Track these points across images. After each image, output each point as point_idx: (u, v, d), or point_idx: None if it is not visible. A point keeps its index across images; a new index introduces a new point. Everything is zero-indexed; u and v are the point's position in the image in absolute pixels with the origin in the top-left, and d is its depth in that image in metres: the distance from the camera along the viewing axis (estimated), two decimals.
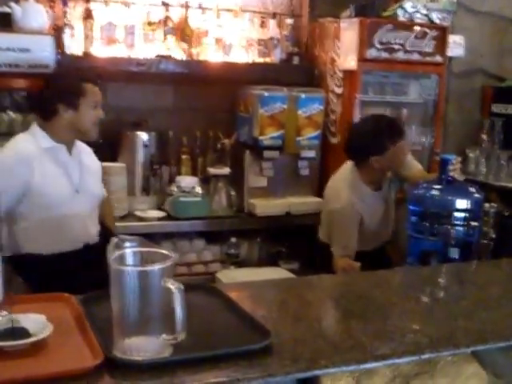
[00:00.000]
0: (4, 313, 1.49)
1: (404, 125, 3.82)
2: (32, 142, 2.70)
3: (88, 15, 3.75)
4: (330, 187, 3.45)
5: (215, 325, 1.60)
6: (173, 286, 1.32)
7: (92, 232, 2.86)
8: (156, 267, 1.34)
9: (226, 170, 4.00)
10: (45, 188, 2.64)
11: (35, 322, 1.48)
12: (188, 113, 4.16)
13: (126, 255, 1.41)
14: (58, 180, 2.71)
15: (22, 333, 1.43)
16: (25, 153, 2.65)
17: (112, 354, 1.36)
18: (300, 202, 4.15)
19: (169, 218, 3.81)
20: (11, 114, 3.48)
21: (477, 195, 2.69)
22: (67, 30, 3.65)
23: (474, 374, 1.69)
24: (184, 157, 4.10)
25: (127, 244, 1.39)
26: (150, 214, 3.79)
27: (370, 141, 3.23)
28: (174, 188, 3.87)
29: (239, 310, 1.66)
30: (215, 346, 1.43)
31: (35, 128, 2.73)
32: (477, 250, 2.88)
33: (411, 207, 2.70)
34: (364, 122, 3.53)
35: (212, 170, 4.00)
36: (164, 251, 1.41)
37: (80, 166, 2.81)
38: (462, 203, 2.61)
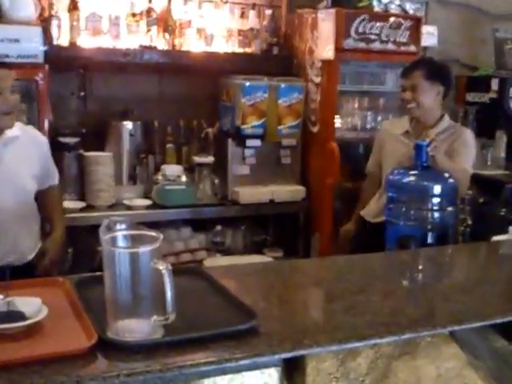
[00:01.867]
0: (0, 297, 1.54)
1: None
2: None
3: (74, 6, 3.78)
4: None
5: (204, 307, 1.66)
6: (162, 266, 1.38)
7: (23, 244, 2.62)
8: (147, 249, 1.40)
9: (210, 159, 4.07)
10: None
11: (31, 305, 1.51)
12: (172, 102, 4.22)
13: (117, 237, 1.45)
14: None
15: (18, 316, 1.46)
16: None
17: (105, 335, 1.40)
18: (283, 190, 4.23)
19: (155, 206, 3.88)
20: None
21: (452, 181, 2.78)
22: (54, 21, 3.69)
23: (453, 355, 1.76)
24: (169, 146, 4.16)
25: (118, 226, 1.45)
26: (137, 202, 3.85)
27: None
28: (159, 177, 3.94)
29: (227, 292, 1.72)
30: (204, 328, 1.49)
31: None
32: (454, 235, 3.01)
33: (389, 194, 2.80)
34: None
35: (196, 159, 4.07)
36: (152, 233, 1.45)
37: (7, 156, 2.54)
38: (437, 188, 2.70)
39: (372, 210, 3.36)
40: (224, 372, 1.43)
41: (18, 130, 2.58)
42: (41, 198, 2.73)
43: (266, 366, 1.48)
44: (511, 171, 4.36)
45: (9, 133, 2.54)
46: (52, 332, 1.47)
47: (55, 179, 2.85)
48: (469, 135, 3.34)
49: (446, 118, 3.34)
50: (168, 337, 1.43)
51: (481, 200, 3.68)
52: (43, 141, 2.77)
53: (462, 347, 1.76)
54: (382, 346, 1.66)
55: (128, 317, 1.43)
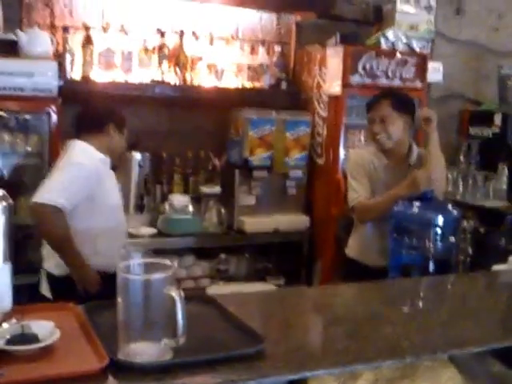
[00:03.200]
0: (14, 320, 1.59)
1: None
2: (94, 153, 2.94)
3: (88, 41, 3.91)
4: None
5: (213, 332, 1.69)
6: (174, 293, 1.44)
7: None
8: (159, 276, 1.45)
9: (217, 189, 4.17)
10: (111, 190, 2.98)
11: (44, 328, 1.55)
12: (181, 134, 4.32)
13: (132, 265, 1.50)
14: (114, 187, 3.02)
15: (32, 338, 1.50)
16: (93, 164, 2.90)
17: (116, 357, 1.43)
18: (287, 220, 4.33)
19: (159, 234, 3.97)
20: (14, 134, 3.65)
21: (454, 212, 2.84)
22: (68, 56, 3.82)
23: (451, 378, 1.80)
24: (177, 176, 4.27)
25: (133, 255, 1.52)
26: (142, 230, 3.93)
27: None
28: (166, 206, 4.02)
29: (234, 318, 1.76)
30: (213, 351, 1.53)
31: (85, 145, 2.92)
32: (455, 264, 3.04)
33: (392, 223, 2.86)
34: None
35: (203, 189, 4.17)
36: (166, 262, 1.51)
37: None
38: (439, 219, 2.75)
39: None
40: None
41: None
42: None
43: None
44: None
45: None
46: (64, 354, 1.50)
47: None
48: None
49: (414, 146, 3.27)
50: (177, 359, 1.47)
51: (482, 230, 3.73)
52: None
53: (459, 371, 1.81)
54: (382, 370, 1.71)
55: (139, 340, 1.47)
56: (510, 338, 1.81)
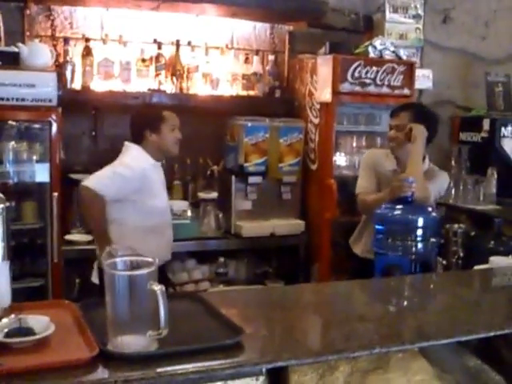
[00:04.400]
0: (12, 316, 1.67)
1: None
2: (143, 158, 3.30)
3: (87, 53, 4.03)
4: None
5: (196, 325, 1.79)
6: (157, 287, 1.53)
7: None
8: (143, 271, 1.55)
9: (215, 195, 4.27)
10: (158, 193, 3.31)
11: (40, 322, 1.63)
12: (179, 142, 4.42)
13: (118, 262, 1.58)
14: (164, 187, 3.38)
15: (29, 331, 1.58)
16: (141, 168, 3.26)
17: (106, 347, 1.53)
18: (283, 224, 4.42)
19: None
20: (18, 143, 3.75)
21: (434, 214, 2.95)
22: (69, 67, 3.95)
23: (421, 369, 1.88)
24: (176, 183, 4.38)
25: (119, 253, 1.64)
26: None
27: None
28: None
29: (217, 312, 1.86)
30: (195, 342, 1.61)
31: (137, 151, 3.28)
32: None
33: (376, 226, 2.96)
34: None
35: (201, 195, 4.28)
36: (149, 259, 1.61)
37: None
38: (421, 221, 2.86)
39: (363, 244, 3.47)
40: (211, 380, 1.56)
41: None
42: None
43: (248, 375, 1.62)
44: (502, 206, 4.47)
45: None
46: (58, 346, 1.58)
47: None
48: (444, 180, 3.54)
49: (427, 161, 3.44)
50: (161, 349, 1.58)
51: (472, 233, 3.81)
52: None
53: (429, 361, 1.90)
54: (357, 362, 1.81)
55: (126, 332, 1.57)
56: (476, 331, 1.91)
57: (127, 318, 1.56)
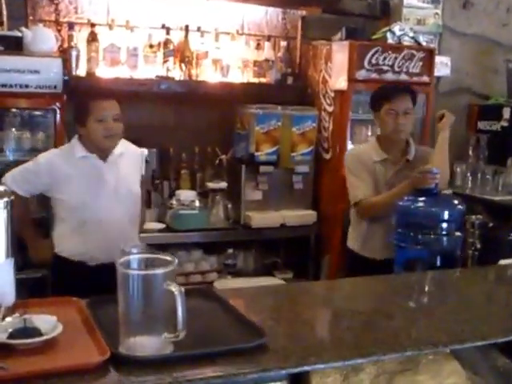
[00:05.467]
0: (17, 315, 1.61)
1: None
2: (66, 151, 2.97)
3: (93, 38, 3.92)
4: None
5: (214, 325, 1.71)
6: (174, 288, 1.45)
7: (134, 238, 3.04)
8: (159, 271, 1.46)
9: (224, 184, 4.17)
10: (75, 190, 2.88)
11: (46, 322, 1.58)
12: (188, 130, 4.32)
13: (132, 260, 1.52)
14: (91, 183, 2.91)
15: (34, 332, 1.52)
16: (48, 163, 2.92)
17: (117, 350, 1.45)
18: (294, 215, 4.33)
19: (168, 229, 3.99)
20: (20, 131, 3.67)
21: (459, 207, 2.82)
22: (73, 53, 3.83)
23: (454, 372, 1.79)
24: (183, 172, 4.28)
25: (133, 250, 1.53)
26: (151, 225, 3.93)
27: (372, 97, 3.36)
28: (173, 201, 4.05)
29: (236, 312, 1.77)
30: (213, 344, 1.54)
31: (74, 140, 2.98)
32: (461, 259, 3.04)
33: (398, 218, 2.84)
34: None
35: (210, 185, 4.17)
36: (166, 257, 1.52)
37: (116, 169, 2.95)
38: (445, 214, 2.73)
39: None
40: None
41: (121, 147, 3.00)
42: None
43: (272, 380, 1.53)
44: None
45: (117, 150, 2.96)
46: (66, 348, 1.52)
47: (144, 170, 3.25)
48: None
49: (411, 141, 3.32)
50: (177, 352, 1.48)
51: (490, 225, 3.71)
52: (138, 150, 3.18)
53: (461, 364, 1.80)
54: (384, 363, 1.70)
55: (140, 334, 1.49)
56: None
57: (141, 319, 1.48)
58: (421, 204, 2.81)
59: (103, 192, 2.90)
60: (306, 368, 1.56)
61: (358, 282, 2.42)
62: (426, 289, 2.36)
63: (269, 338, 1.58)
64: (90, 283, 2.33)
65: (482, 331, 1.82)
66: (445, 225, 2.75)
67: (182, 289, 1.46)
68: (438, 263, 2.72)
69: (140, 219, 3.18)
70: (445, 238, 2.75)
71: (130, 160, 3.06)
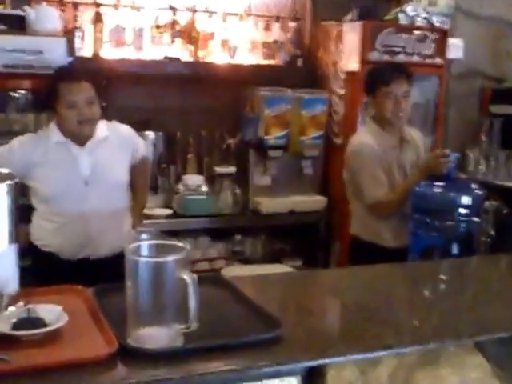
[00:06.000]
0: (20, 303, 1.55)
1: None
2: (42, 136, 2.76)
3: (98, 19, 3.84)
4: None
5: (226, 315, 1.64)
6: (187, 276, 1.38)
7: (119, 235, 2.74)
8: (171, 258, 1.39)
9: (232, 169, 4.10)
10: (46, 178, 2.67)
11: (51, 312, 1.52)
12: (194, 113, 4.23)
13: (142, 247, 1.45)
14: (63, 171, 2.68)
15: (38, 322, 1.47)
16: (27, 149, 2.71)
17: (126, 342, 1.39)
18: (303, 201, 4.25)
19: (175, 215, 3.91)
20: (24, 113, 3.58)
21: (478, 192, 2.75)
22: (78, 33, 3.75)
23: (478, 365, 1.72)
24: (190, 156, 4.20)
25: (144, 236, 1.45)
26: (157, 211, 3.87)
27: (366, 79, 3.20)
28: (180, 186, 3.98)
29: (250, 301, 1.70)
30: (226, 336, 1.48)
31: (52, 124, 2.77)
32: (477, 246, 2.96)
33: (414, 204, 2.77)
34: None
35: (218, 169, 4.10)
36: (179, 243, 1.45)
37: (94, 156, 2.72)
38: (463, 199, 2.66)
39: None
40: (246, 380, 1.41)
41: (106, 130, 2.77)
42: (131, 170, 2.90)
43: (288, 374, 1.46)
44: None
45: (99, 135, 2.73)
46: (72, 339, 1.46)
47: (143, 151, 3.03)
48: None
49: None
50: (189, 344, 1.41)
51: (505, 211, 3.64)
52: (128, 132, 2.93)
53: (486, 357, 1.73)
54: (404, 356, 1.63)
55: (149, 325, 1.42)
56: None
57: (151, 309, 1.41)
58: (438, 189, 2.73)
59: (78, 181, 2.68)
60: (324, 361, 1.49)
61: (372, 269, 2.33)
62: (445, 277, 2.27)
63: (284, 329, 1.51)
64: (62, 277, 2.16)
65: (506, 322, 1.75)
66: (463, 210, 2.67)
67: (195, 276, 1.39)
68: (455, 250, 2.65)
69: (136, 207, 2.99)
70: (462, 225, 2.68)
71: (116, 144, 2.82)
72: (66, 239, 2.68)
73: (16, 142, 2.75)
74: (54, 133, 2.72)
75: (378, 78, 3.10)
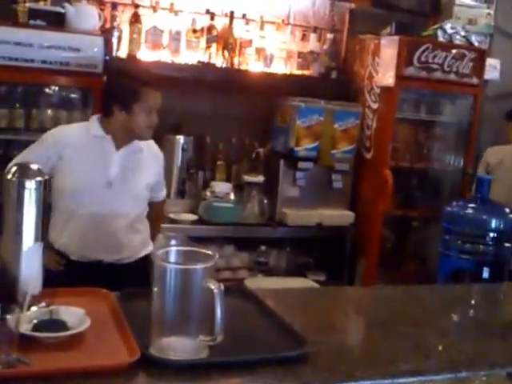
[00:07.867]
0: (43, 304, 1.53)
1: None
2: (81, 127, 2.75)
3: (136, 19, 3.84)
4: None
5: (252, 329, 1.60)
6: (214, 286, 1.34)
7: (132, 244, 2.73)
8: (200, 266, 1.35)
9: (260, 178, 4.06)
10: (72, 171, 2.61)
11: (74, 314, 1.49)
12: (225, 120, 4.21)
13: (170, 253, 1.42)
14: (92, 165, 2.64)
15: (60, 325, 1.44)
16: (60, 136, 2.69)
17: (148, 352, 1.36)
18: (331, 215, 4.20)
19: (201, 222, 3.89)
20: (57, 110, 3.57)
21: (511, 216, 2.69)
22: (115, 33, 3.75)
23: None
24: (219, 163, 4.19)
25: (172, 241, 1.42)
26: (183, 216, 3.85)
27: None
28: (208, 193, 3.95)
29: (276, 316, 1.66)
30: (252, 351, 1.44)
31: (93, 118, 2.74)
32: (508, 271, 2.90)
33: (444, 225, 2.72)
34: None
35: (246, 178, 4.07)
36: (207, 251, 1.42)
37: (125, 162, 2.68)
38: (496, 223, 2.61)
39: None
40: None
41: (143, 143, 2.75)
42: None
43: None
44: None
45: (136, 145, 2.71)
46: (93, 344, 1.43)
47: (163, 194, 2.99)
48: None
49: None
50: (213, 357, 1.37)
51: None
52: (161, 156, 2.91)
53: None
54: (433, 383, 1.56)
55: (173, 334, 1.38)
56: None
57: (176, 318, 1.37)
58: (470, 211, 2.68)
59: (102, 180, 2.63)
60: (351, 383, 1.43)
61: (399, 290, 2.28)
62: (474, 302, 2.22)
63: (310, 347, 1.47)
64: (69, 277, 2.12)
65: None
66: (494, 234, 2.61)
67: (222, 286, 1.34)
68: (485, 275, 2.60)
69: (154, 223, 2.91)
70: (493, 249, 2.62)
71: (147, 159, 2.79)
72: (78, 239, 2.64)
73: (52, 130, 2.75)
74: (94, 126, 2.68)
75: None
